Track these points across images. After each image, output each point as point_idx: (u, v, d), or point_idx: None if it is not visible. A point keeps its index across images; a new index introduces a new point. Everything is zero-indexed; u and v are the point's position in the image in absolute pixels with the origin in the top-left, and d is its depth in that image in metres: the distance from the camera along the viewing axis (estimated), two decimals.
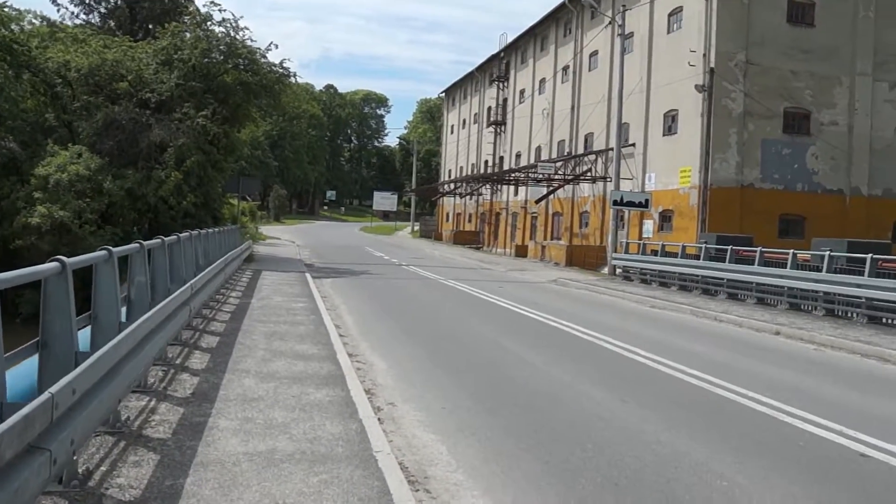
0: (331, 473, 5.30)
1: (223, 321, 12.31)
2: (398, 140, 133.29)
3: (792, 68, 29.23)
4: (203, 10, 29.31)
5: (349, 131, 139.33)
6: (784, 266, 18.67)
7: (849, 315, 16.70)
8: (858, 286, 16.14)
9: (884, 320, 15.80)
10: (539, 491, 5.55)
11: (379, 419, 7.02)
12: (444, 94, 77.83)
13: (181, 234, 10.27)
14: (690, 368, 10.36)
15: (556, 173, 38.41)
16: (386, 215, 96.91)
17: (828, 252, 17.53)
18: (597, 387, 9.30)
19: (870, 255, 16.23)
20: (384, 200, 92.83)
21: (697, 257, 22.95)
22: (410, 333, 13.18)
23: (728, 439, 7.11)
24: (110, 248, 5.89)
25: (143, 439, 5.86)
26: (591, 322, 15.11)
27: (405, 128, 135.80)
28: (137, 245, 7.07)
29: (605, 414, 7.94)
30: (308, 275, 22.99)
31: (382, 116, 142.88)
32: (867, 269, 16.04)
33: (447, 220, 71.60)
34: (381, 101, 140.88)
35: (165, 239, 8.69)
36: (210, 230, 16.61)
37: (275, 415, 6.80)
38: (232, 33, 28.03)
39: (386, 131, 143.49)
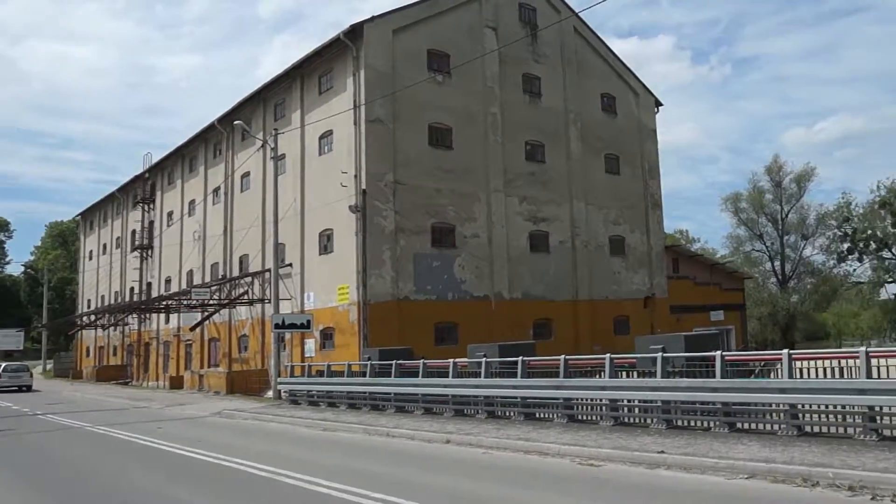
0: None
1: None
2: (23, 268, 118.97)
3: (436, 186, 31.70)
4: None
5: None
6: (447, 375, 19.43)
7: (507, 415, 17.78)
8: (514, 387, 17.38)
9: (536, 415, 17.17)
10: None
11: None
12: (80, 218, 71.61)
13: None
14: (373, 492, 9.93)
15: (211, 298, 36.78)
16: (10, 355, 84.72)
17: (483, 359, 18.67)
18: None
19: (520, 357, 17.57)
20: (6, 339, 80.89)
21: (364, 374, 23.03)
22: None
23: None
24: None
25: None
26: (263, 455, 14.07)
27: (32, 254, 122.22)
28: None
29: None
30: None
31: (3, 242, 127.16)
32: (519, 371, 17.34)
33: (88, 354, 64.77)
34: (2, 226, 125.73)
35: None
36: None
37: None
38: None
39: (8, 259, 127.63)
